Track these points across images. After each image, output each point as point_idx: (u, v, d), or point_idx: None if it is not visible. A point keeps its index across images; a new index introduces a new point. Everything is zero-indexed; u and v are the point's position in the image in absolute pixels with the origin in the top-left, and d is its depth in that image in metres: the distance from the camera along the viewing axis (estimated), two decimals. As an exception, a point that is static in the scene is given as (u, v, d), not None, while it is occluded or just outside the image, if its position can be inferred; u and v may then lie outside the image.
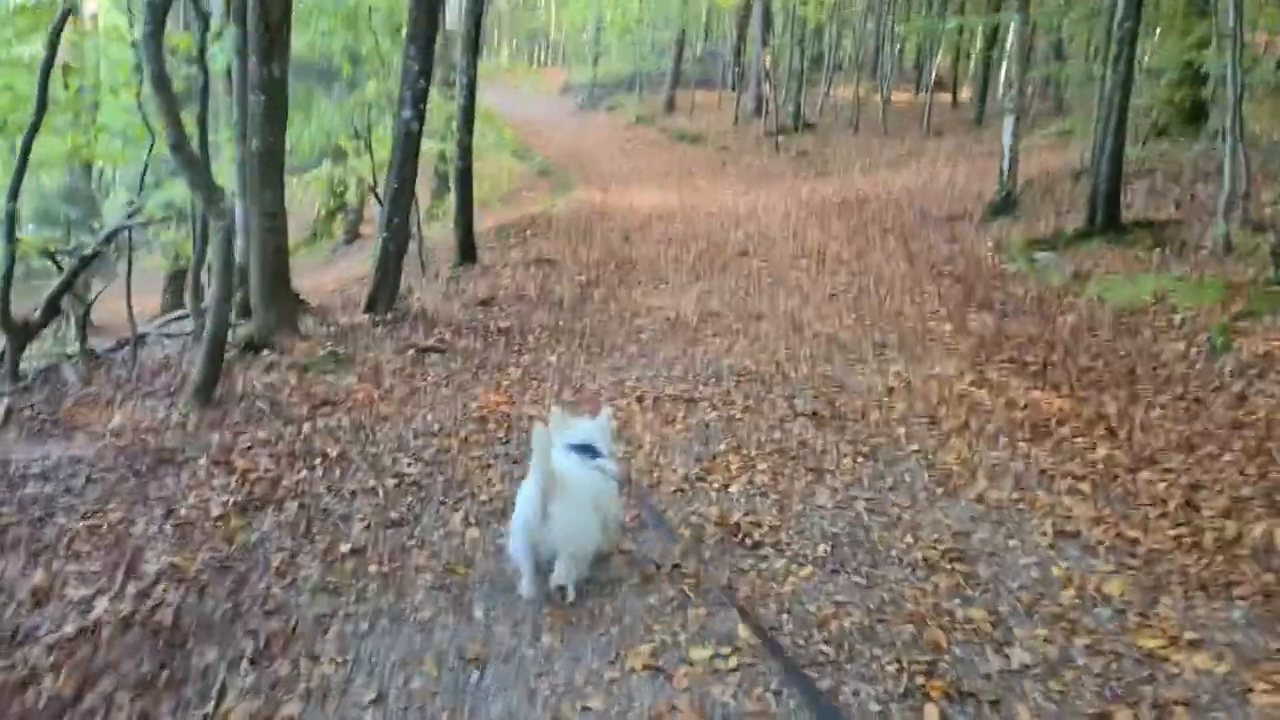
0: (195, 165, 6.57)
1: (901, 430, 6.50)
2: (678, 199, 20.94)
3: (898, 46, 33.55)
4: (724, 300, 10.94)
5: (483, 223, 19.42)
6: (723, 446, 6.20)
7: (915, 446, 6.19)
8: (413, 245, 13.29)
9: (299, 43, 14.99)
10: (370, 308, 10.01)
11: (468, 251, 13.28)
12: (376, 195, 16.92)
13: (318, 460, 5.90)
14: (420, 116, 9.91)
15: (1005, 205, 15.13)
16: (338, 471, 5.74)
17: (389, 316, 9.76)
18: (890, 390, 7.43)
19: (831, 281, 11.79)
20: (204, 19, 8.45)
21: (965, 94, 32.97)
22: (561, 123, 36.56)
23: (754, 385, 7.56)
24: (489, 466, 5.89)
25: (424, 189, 19.62)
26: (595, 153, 30.06)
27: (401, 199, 9.98)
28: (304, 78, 22.80)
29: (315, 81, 20.35)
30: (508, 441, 6.31)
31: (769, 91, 30.54)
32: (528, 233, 16.73)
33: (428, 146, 15.25)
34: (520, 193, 25.32)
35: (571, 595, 4.04)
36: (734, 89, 33.82)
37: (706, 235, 15.65)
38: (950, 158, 23.60)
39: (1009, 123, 15.25)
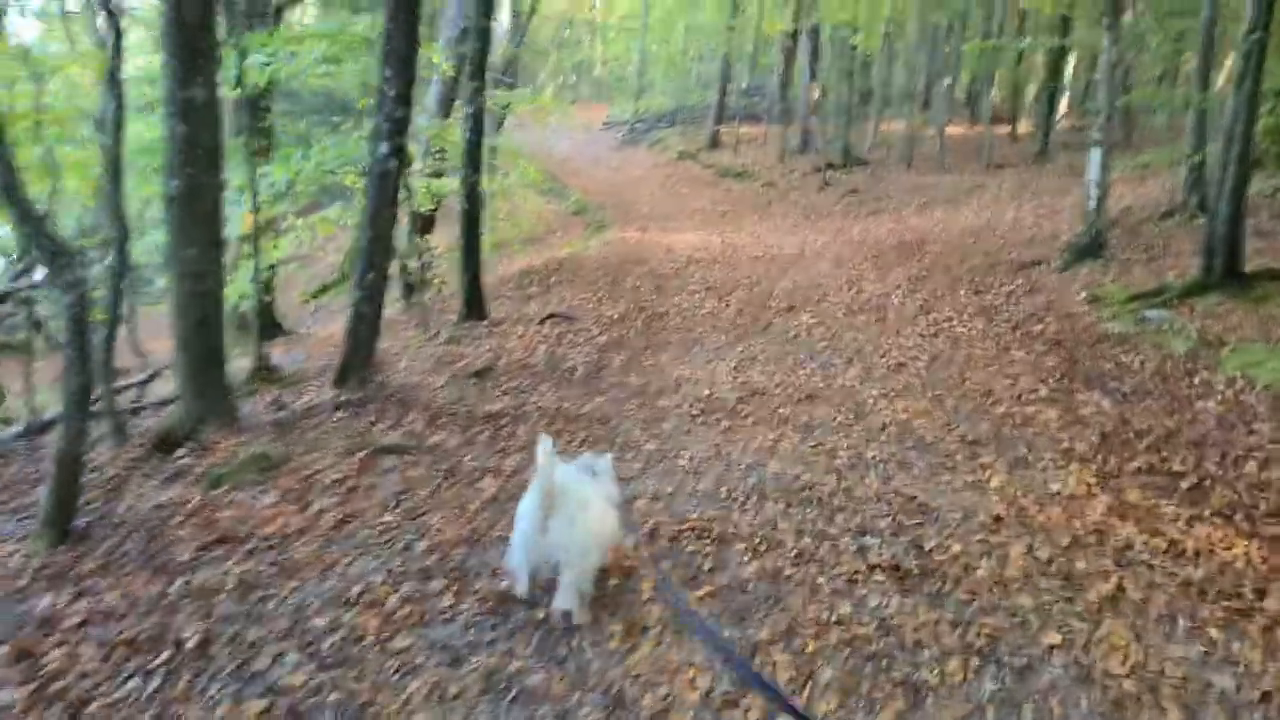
0: (29, 217, 4.61)
1: (1027, 600, 4.36)
2: (719, 240, 18.92)
3: (952, 78, 31.32)
4: (768, 370, 8.85)
5: (506, 267, 17.52)
6: (765, 634, 4.09)
7: (1054, 635, 4.05)
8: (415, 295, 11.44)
9: (306, 74, 13.29)
10: (340, 381, 8.04)
11: (475, 306, 11.32)
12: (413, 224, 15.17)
13: (165, 654, 3.89)
14: (399, 152, 7.97)
15: (1091, 248, 12.90)
16: (182, 681, 3.72)
17: (360, 395, 7.78)
18: (997, 520, 5.29)
19: (897, 345, 9.65)
20: (116, 27, 6.56)
21: (1023, 127, 30.70)
22: (601, 159, 34.74)
23: (808, 510, 5.45)
24: (413, 670, 3.84)
25: (446, 228, 17.79)
26: (634, 190, 28.16)
27: (377, 252, 8.01)
28: (319, 111, 21.10)
29: (329, 115, 18.66)
30: (453, 619, 4.24)
31: (816, 126, 28.49)
32: (551, 280, 14.75)
33: (446, 184, 13.49)
34: (553, 234, 23.46)
35: (578, 617, 3.90)
36: (780, 123, 31.80)
37: (749, 283, 13.58)
38: (1014, 194, 21.38)
39: (1097, 155, 13.04)
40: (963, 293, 12.28)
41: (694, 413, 7.48)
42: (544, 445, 3.76)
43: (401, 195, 15.46)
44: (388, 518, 5.28)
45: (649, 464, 6.28)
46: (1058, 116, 29.21)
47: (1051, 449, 6.45)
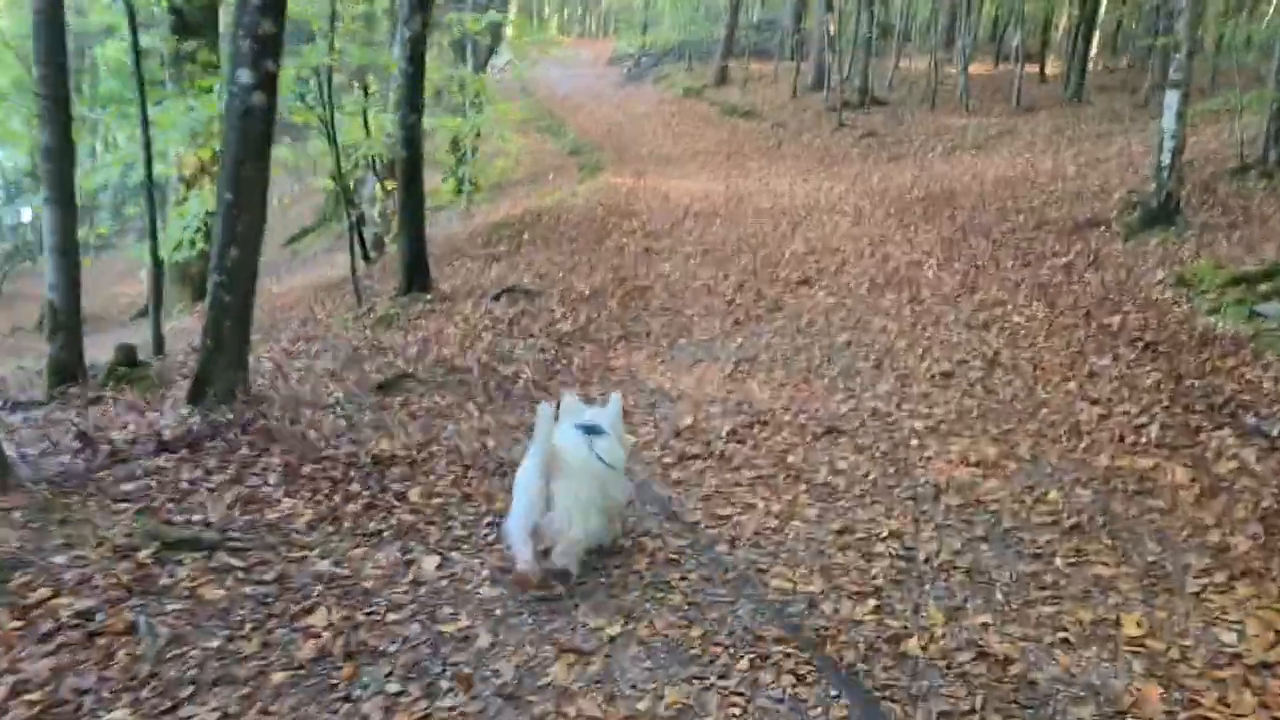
0: None
1: None
2: (722, 187, 16.48)
3: (977, 13, 28.39)
4: (773, 379, 6.57)
5: (486, 216, 15.13)
6: None
7: None
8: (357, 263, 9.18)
9: None
10: (195, 396, 5.76)
11: (417, 275, 8.99)
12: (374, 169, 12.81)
13: None
14: (266, 84, 5.56)
15: (1162, 213, 10.46)
16: None
17: (213, 417, 5.50)
18: (1134, 702, 3.01)
19: (939, 341, 7.33)
20: None
21: (1051, 67, 27.88)
22: (603, 95, 32.05)
23: (835, 689, 3.16)
24: None
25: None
26: (635, 129, 25.59)
27: (242, 219, 5.66)
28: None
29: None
30: None
31: (832, 61, 25.77)
32: (525, 236, 12.38)
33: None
34: (543, 176, 20.98)
35: (575, 570, 3.69)
36: (793, 59, 29.05)
37: (754, 245, 11.21)
38: (1049, 141, 18.81)
39: (1173, 100, 10.51)
40: (1010, 264, 9.90)
41: (666, 459, 5.18)
42: (544, 409, 3.54)
43: (357, 139, 13.08)
44: None
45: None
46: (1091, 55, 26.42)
47: (1195, 546, 4.15)
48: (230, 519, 4.24)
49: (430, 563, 3.95)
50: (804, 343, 7.37)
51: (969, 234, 11.57)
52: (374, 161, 12.99)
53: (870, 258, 10.44)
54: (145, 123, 8.07)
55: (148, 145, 8.04)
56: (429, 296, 8.78)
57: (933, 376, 6.51)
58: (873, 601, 3.70)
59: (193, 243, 13.48)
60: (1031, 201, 13.31)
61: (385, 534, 4.22)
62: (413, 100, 8.47)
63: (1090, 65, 25.75)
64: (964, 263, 10.03)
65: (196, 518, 4.24)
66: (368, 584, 3.75)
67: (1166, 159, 10.50)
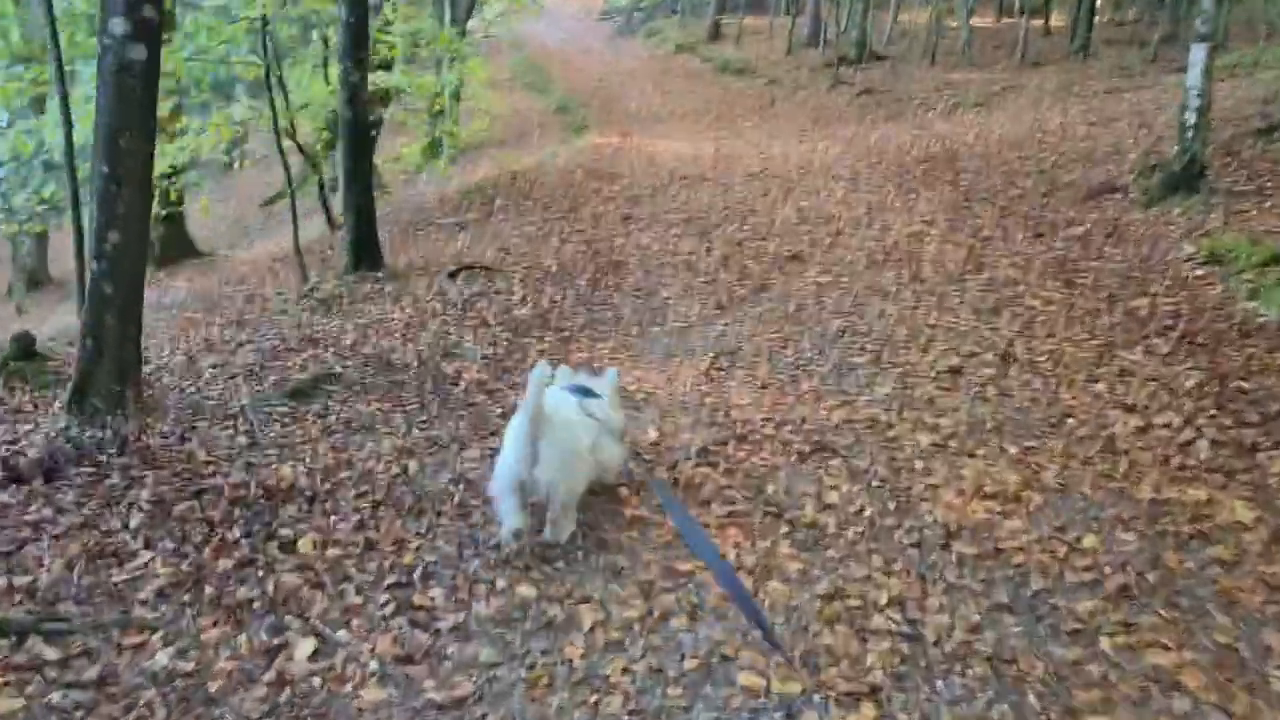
0: None
1: None
2: (711, 149, 15.43)
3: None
4: (756, 378, 5.65)
5: (466, 177, 14.11)
6: None
7: None
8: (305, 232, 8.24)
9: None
10: (75, 404, 4.84)
11: (366, 251, 8.02)
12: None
13: None
14: (145, 33, 4.57)
15: (1187, 178, 9.47)
16: None
17: (102, 432, 4.58)
18: None
19: (944, 329, 6.41)
20: None
21: (1056, 20, 26.65)
22: (593, 50, 30.81)
23: None
24: None
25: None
26: (624, 86, 24.43)
27: (122, 198, 4.70)
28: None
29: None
30: None
31: (828, 15, 24.58)
32: (498, 202, 11.40)
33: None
34: (528, 135, 19.90)
35: (563, 538, 3.62)
36: (788, 13, 27.81)
37: (742, 213, 10.24)
38: (1056, 97, 17.71)
39: (1199, 54, 9.48)
40: (1021, 236, 8.94)
41: (622, 489, 4.25)
42: (538, 373, 3.41)
43: (318, 95, 12.02)
44: None
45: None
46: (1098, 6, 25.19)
47: (1273, 617, 3.25)
48: (64, 583, 3.33)
49: (304, 649, 3.06)
50: (792, 331, 6.43)
51: (974, 200, 10.60)
52: (333, 121, 11.96)
53: (867, 228, 9.47)
54: (61, 79, 7.07)
55: (65, 108, 7.05)
56: (379, 275, 7.83)
57: (938, 375, 5.58)
58: (870, 710, 2.80)
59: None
60: (1041, 164, 12.32)
61: (256, 605, 3.31)
62: (355, 54, 7.45)
63: (1097, 18, 24.56)
64: (970, 234, 9.07)
65: (23, 581, 3.33)
66: (214, 686, 2.84)
67: (1191, 119, 9.50)
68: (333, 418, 4.88)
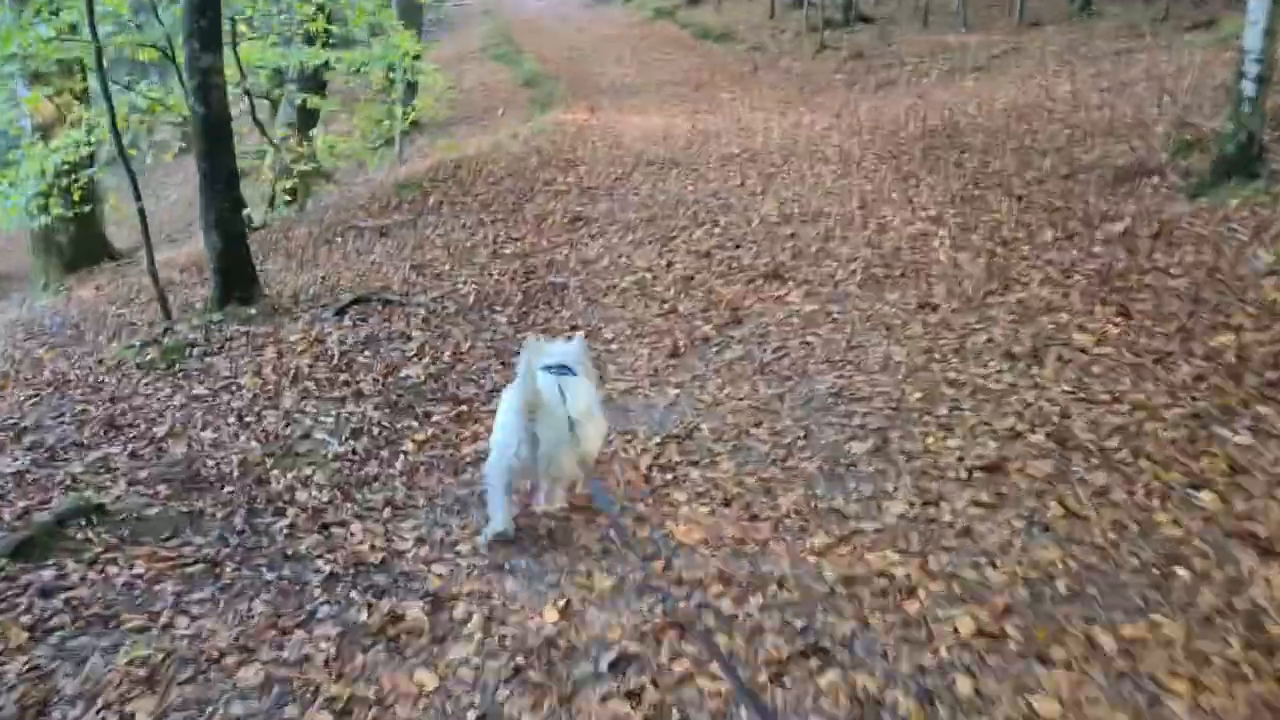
0: None
1: None
2: (687, 126, 13.58)
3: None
4: (715, 495, 3.88)
5: (400, 170, 12.25)
6: None
7: None
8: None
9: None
10: None
11: (236, 281, 6.18)
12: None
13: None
14: None
15: (1244, 160, 7.67)
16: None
17: None
18: None
19: (971, 386, 4.64)
20: None
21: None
22: (570, 18, 28.69)
23: None
24: None
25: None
26: (598, 55, 22.43)
27: None
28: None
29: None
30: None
31: (814, -25, 22.54)
32: (432, 199, 9.56)
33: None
34: (491, 111, 18.01)
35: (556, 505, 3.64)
36: (771, -26, 25.68)
37: (714, 209, 8.45)
38: (1062, 61, 15.81)
39: (1258, 10, 7.62)
40: (1049, 236, 7.16)
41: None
42: (530, 344, 3.43)
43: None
44: None
45: None
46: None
47: None
48: None
49: None
50: (768, 396, 4.67)
51: (985, 187, 8.81)
52: (250, 102, 10.12)
53: (862, 228, 7.69)
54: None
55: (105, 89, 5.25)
56: (252, 310, 6.01)
57: (971, 476, 3.82)
58: None
59: (44, 206, 10.74)
60: (1055, 139, 10.52)
61: None
62: (203, 33, 5.59)
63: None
64: (985, 234, 7.29)
65: None
66: None
67: (1249, 89, 7.65)
68: (58, 600, 3.09)
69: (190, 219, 14.65)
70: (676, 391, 4.77)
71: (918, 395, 4.62)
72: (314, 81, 12.21)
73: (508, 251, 7.32)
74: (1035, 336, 5.30)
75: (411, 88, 14.27)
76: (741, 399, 4.67)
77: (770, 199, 8.82)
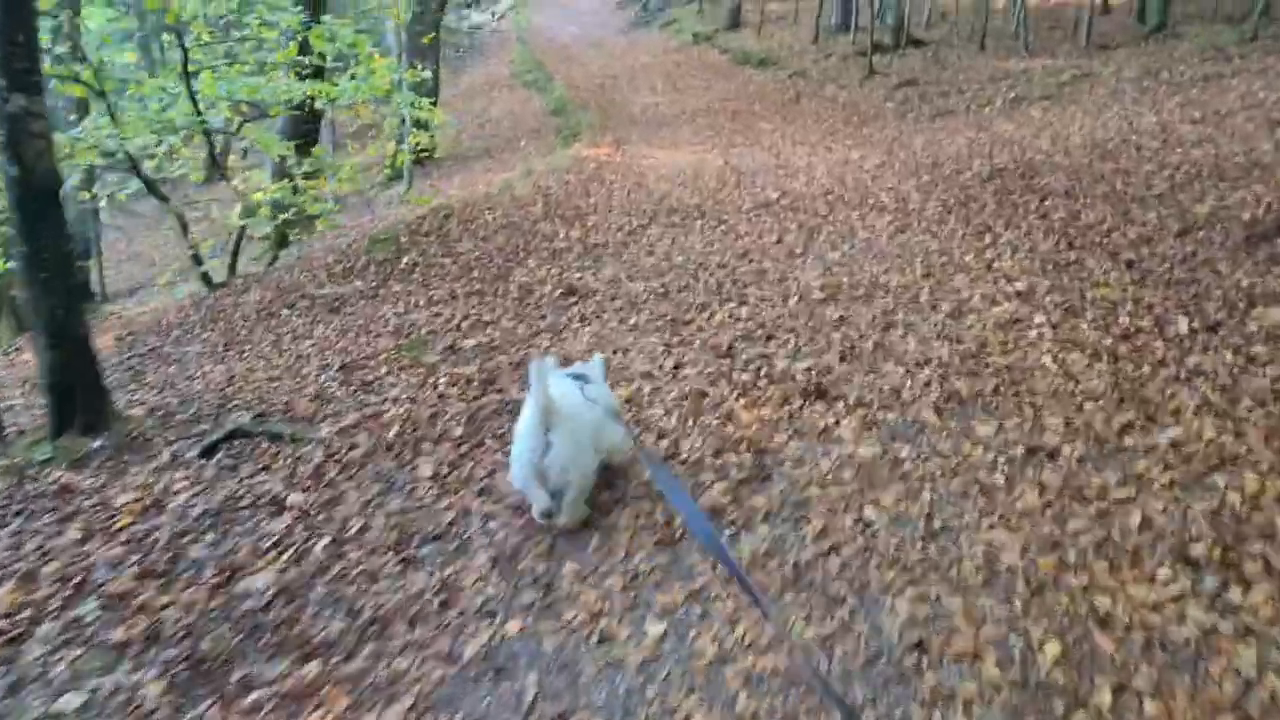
0: None
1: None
2: (719, 162, 11.70)
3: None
4: None
5: (399, 213, 10.47)
6: None
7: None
8: None
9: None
10: None
11: (75, 402, 4.35)
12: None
13: None
14: None
15: None
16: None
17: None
18: None
19: (1134, 609, 2.73)
20: None
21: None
22: (605, 43, 26.97)
23: None
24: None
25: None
26: (632, 83, 20.64)
27: None
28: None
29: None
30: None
31: (861, -3, 20.61)
32: (404, 260, 7.74)
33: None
34: (513, 143, 16.25)
35: (577, 523, 3.48)
36: (815, -4, 23.78)
37: (742, 279, 6.57)
38: (1141, 87, 13.69)
39: None
40: (1184, 324, 5.21)
41: None
42: (537, 363, 3.30)
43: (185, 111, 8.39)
44: None
45: None
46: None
47: None
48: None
49: None
50: (807, 642, 2.71)
51: (1082, 247, 6.83)
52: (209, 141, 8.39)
53: (931, 308, 5.73)
54: None
55: None
56: (97, 443, 4.19)
57: None
58: None
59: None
60: (1151, 182, 8.52)
61: None
62: (9, 66, 3.81)
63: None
64: (1098, 322, 5.32)
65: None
66: None
67: None
68: None
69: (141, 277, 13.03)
70: (651, 658, 2.83)
71: (1053, 651, 2.66)
72: (303, 117, 10.47)
73: (469, 344, 5.45)
74: (1215, 519, 3.32)
75: (422, 125, 12.46)
76: (763, 654, 2.74)
77: (813, 263, 6.89)
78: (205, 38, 8.56)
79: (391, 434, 4.18)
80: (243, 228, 8.62)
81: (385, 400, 4.60)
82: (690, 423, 4.26)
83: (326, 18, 9.12)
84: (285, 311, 6.91)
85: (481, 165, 15.36)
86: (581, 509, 3.50)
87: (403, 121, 10.63)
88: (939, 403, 4.44)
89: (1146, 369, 4.73)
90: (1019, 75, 15.67)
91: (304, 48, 9.05)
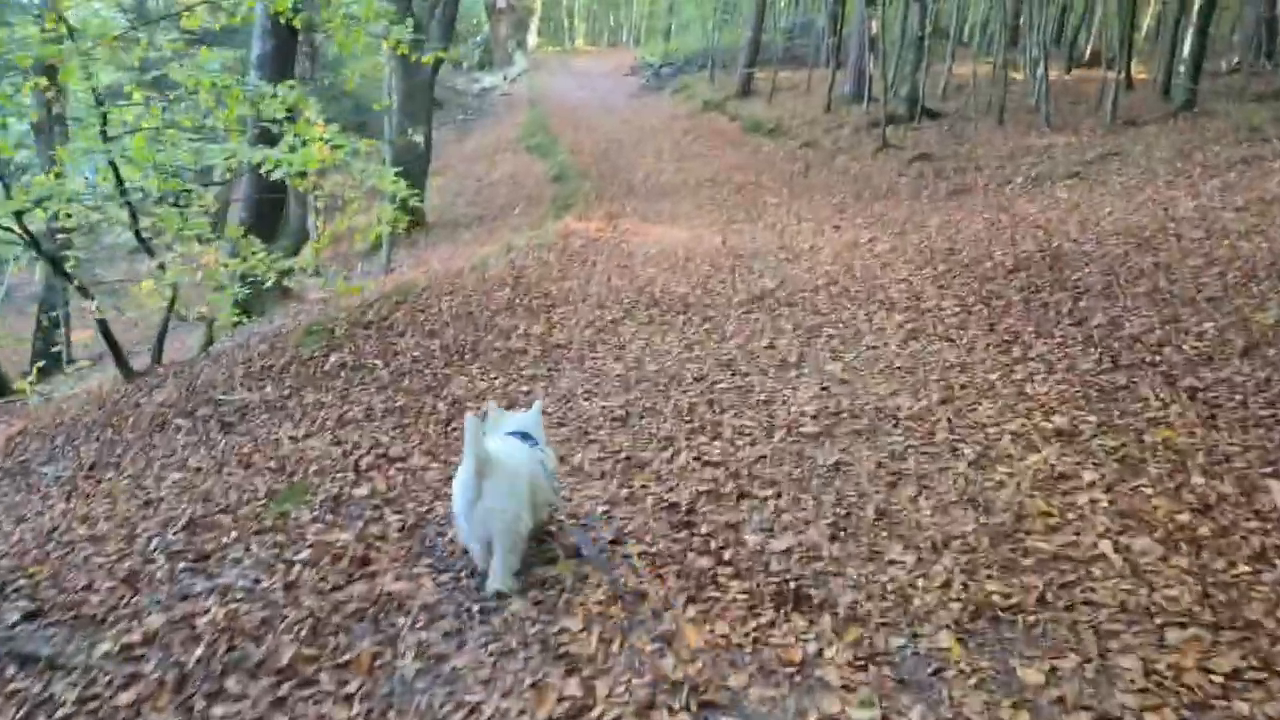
0: None
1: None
2: (719, 240, 10.58)
3: (1047, 8, 21.70)
4: None
5: (346, 301, 9.28)
6: None
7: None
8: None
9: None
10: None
11: None
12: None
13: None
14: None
15: None
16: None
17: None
18: None
19: None
20: None
21: (1139, 71, 21.27)
22: (615, 108, 26.08)
23: None
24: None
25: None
26: (637, 149, 19.62)
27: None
28: None
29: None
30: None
31: (874, 67, 19.57)
32: (331, 360, 6.51)
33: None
34: (507, 210, 15.17)
35: (513, 586, 3.33)
36: (828, 65, 22.80)
37: (725, 397, 5.30)
38: (1174, 168, 12.47)
39: None
40: (1277, 491, 3.82)
41: None
42: (470, 419, 3.24)
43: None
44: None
45: None
46: (1183, 54, 19.80)
47: None
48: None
49: None
50: None
51: (1128, 365, 5.60)
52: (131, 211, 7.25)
53: (951, 452, 4.47)
54: None
55: None
56: None
57: None
58: None
59: None
60: (1200, 281, 7.30)
61: None
62: None
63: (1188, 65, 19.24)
64: (1163, 483, 4.09)
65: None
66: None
67: None
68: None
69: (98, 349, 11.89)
70: None
71: None
72: (264, 184, 9.37)
73: (360, 493, 4.19)
74: None
75: (402, 205, 11.27)
76: None
77: (808, 378, 5.64)
78: (137, 96, 7.45)
79: (193, 658, 2.90)
80: (169, 311, 7.44)
81: (213, 590, 3.33)
82: (615, 649, 2.96)
83: (289, 83, 7.98)
84: (179, 422, 5.69)
85: (471, 234, 14.28)
86: (512, 568, 3.34)
87: (369, 193, 9.41)
88: (963, 619, 3.14)
89: (1243, 568, 3.42)
90: (1041, 151, 14.51)
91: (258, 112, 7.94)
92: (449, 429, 5.00)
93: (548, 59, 35.93)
